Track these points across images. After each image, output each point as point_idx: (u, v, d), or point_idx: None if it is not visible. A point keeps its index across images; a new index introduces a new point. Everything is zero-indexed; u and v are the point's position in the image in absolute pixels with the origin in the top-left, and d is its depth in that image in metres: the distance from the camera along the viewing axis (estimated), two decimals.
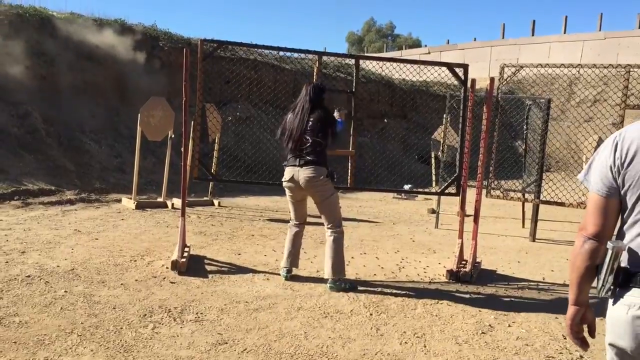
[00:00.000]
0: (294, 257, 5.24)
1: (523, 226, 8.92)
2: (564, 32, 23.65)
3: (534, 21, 24.71)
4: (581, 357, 3.79)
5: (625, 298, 1.68)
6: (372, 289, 5.09)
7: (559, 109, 19.96)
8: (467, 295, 5.07)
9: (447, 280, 5.54)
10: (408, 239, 7.66)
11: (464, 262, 5.80)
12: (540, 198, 7.67)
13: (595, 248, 1.73)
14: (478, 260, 6.08)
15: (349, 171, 5.86)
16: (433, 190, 10.23)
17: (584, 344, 1.87)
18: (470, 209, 6.22)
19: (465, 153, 5.83)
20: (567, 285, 5.21)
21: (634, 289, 1.66)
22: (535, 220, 7.86)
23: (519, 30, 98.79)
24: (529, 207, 8.76)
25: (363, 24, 56.93)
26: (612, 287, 1.70)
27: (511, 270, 6.15)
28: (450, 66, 5.86)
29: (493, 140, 7.07)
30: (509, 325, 4.33)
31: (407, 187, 12.27)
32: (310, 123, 4.84)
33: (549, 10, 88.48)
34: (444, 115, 8.94)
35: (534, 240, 7.88)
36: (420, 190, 10.76)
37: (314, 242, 7.02)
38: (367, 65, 18.55)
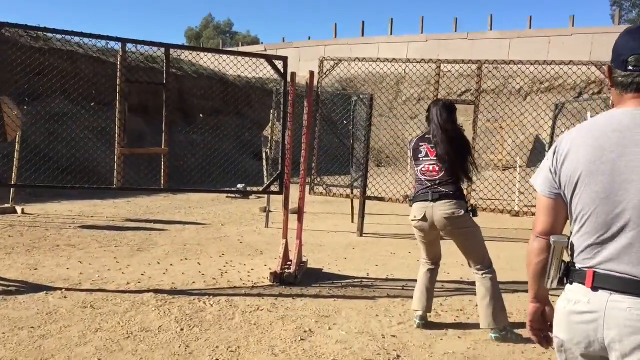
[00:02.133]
0: (428, 300, 4.32)
1: (352, 221, 8.99)
2: (391, 34, 24.87)
3: (363, 22, 25.71)
4: (398, 356, 3.69)
5: (566, 293, 1.75)
6: (188, 298, 4.65)
7: (387, 106, 20.93)
8: (290, 299, 4.82)
9: (271, 284, 5.26)
10: (236, 241, 7.30)
11: (289, 263, 5.56)
12: (367, 193, 7.73)
13: (544, 245, 1.81)
14: (304, 259, 5.90)
15: (162, 171, 5.34)
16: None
17: (546, 342, 1.90)
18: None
19: (287, 149, 5.59)
20: (390, 280, 5.15)
21: (574, 284, 1.72)
22: (362, 215, 7.91)
23: (350, 31, 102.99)
24: (359, 202, 8.85)
25: (201, 19, 55.61)
26: (559, 281, 1.77)
27: (337, 268, 6.05)
28: (269, 59, 5.59)
29: (315, 136, 6.94)
30: (330, 328, 4.14)
31: (240, 186, 11.94)
32: (447, 149, 4.02)
33: (376, 12, 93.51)
34: (271, 111, 8.71)
35: (361, 235, 7.93)
36: (241, 189, 10.48)
37: (130, 250, 6.38)
38: (202, 59, 17.89)
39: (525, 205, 12.01)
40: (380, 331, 4.14)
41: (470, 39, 22.42)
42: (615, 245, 1.63)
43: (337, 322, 4.29)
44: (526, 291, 5.36)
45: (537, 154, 8.73)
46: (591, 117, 6.68)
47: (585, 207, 1.68)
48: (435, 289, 5.36)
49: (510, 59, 5.51)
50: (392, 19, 24.61)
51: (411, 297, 4.72)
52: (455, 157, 4.03)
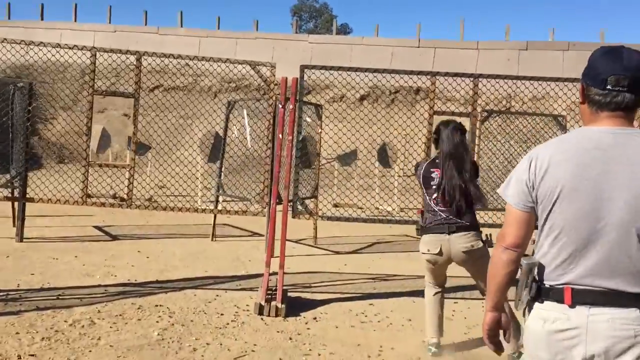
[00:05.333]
0: (439, 325, 4.01)
1: (14, 225, 7.92)
2: (75, 21, 23.11)
3: (42, 5, 23.29)
4: None
5: (538, 311, 1.77)
6: None
7: (71, 99, 19.37)
8: None
9: None
10: None
11: None
12: (30, 193, 6.87)
13: (514, 257, 1.82)
14: None
15: None
16: None
17: (499, 347, 1.96)
18: None
19: None
20: (45, 289, 4.59)
21: (546, 302, 1.75)
22: (21, 218, 6.99)
23: (29, 13, 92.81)
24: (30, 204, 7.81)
25: None
26: (528, 300, 1.79)
27: None
28: None
29: None
30: None
31: None
32: (462, 176, 3.78)
33: None
34: None
35: (21, 241, 7.01)
36: None
37: None
38: None
39: (211, 201, 12.28)
40: (17, 351, 3.61)
41: (161, 33, 22.17)
42: (593, 259, 1.69)
43: None
44: (194, 287, 5.28)
45: (216, 149, 8.92)
46: (247, 114, 7.05)
47: (566, 222, 1.71)
48: (96, 295, 5.00)
49: (202, 56, 5.44)
50: (76, 5, 22.80)
51: (67, 307, 4.30)
52: (469, 187, 3.81)
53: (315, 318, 4.72)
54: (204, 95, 21.29)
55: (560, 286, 1.72)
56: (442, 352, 4.00)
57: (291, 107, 4.87)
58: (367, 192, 12.33)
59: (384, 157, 11.97)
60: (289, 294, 5.17)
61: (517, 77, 5.22)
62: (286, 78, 4.94)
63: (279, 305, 4.72)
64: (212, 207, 7.99)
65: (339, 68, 4.90)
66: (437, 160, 3.93)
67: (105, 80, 20.90)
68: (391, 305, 5.15)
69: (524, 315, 1.88)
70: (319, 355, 3.93)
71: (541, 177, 1.75)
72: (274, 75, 5.02)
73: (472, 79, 5.21)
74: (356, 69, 4.89)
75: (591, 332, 1.66)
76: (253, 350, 3.93)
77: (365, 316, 4.83)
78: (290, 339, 4.20)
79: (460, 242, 3.76)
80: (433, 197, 3.87)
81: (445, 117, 4.57)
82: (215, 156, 9.57)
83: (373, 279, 6.15)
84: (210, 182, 11.20)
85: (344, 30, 39.52)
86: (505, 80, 5.24)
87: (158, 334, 4.09)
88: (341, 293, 5.51)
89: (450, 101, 16.43)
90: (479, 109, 5.94)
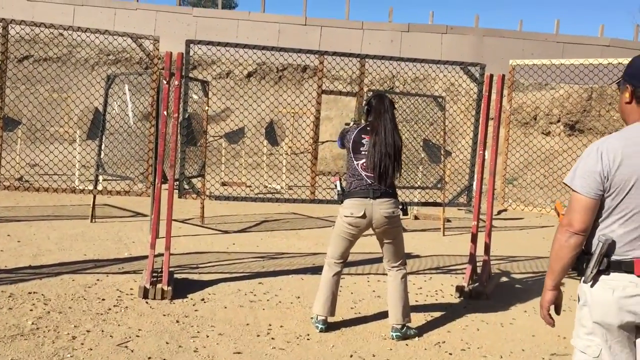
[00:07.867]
0: (332, 304, 4.11)
1: None
2: None
3: None
4: None
5: (605, 282, 2.01)
6: None
7: None
8: None
9: None
10: None
11: None
12: None
13: (581, 242, 2.05)
14: None
15: None
16: None
17: (552, 320, 2.19)
18: None
19: None
20: None
21: (612, 274, 2.00)
22: None
23: None
24: None
25: None
26: (594, 274, 2.03)
27: None
28: None
29: None
30: None
31: None
32: (393, 147, 4.01)
33: None
34: None
35: None
36: None
37: None
38: None
39: (90, 180, 11.61)
40: None
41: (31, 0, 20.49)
42: None
43: None
44: (72, 272, 5.01)
45: (95, 126, 8.41)
46: (129, 90, 6.72)
47: (637, 206, 1.98)
48: None
49: (77, 27, 5.02)
50: None
51: None
52: (398, 157, 4.04)
53: (203, 299, 4.63)
54: (80, 67, 20.05)
55: (630, 259, 1.99)
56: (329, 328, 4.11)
57: (176, 83, 4.69)
58: (255, 170, 12.25)
59: (272, 134, 11.92)
60: (176, 275, 5.04)
61: (402, 59, 5.35)
62: (171, 53, 4.73)
63: (165, 287, 4.59)
64: (91, 187, 7.57)
65: (227, 44, 4.76)
66: (368, 128, 4.08)
67: None
68: (280, 284, 5.18)
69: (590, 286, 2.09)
70: (207, 336, 3.88)
71: (616, 168, 1.98)
72: (158, 50, 4.79)
73: (359, 59, 5.29)
74: (244, 46, 4.78)
75: None
76: (138, 336, 3.79)
77: (254, 295, 4.82)
78: (178, 321, 4.10)
79: (383, 207, 3.96)
80: (361, 162, 4.02)
81: (335, 96, 4.75)
82: (94, 133, 9.03)
83: (262, 257, 6.14)
84: (89, 161, 10.57)
85: (229, 4, 38.65)
86: (390, 61, 5.36)
87: (32, 323, 3.84)
88: (229, 273, 5.45)
89: (337, 80, 16.67)
90: (365, 89, 6.05)
